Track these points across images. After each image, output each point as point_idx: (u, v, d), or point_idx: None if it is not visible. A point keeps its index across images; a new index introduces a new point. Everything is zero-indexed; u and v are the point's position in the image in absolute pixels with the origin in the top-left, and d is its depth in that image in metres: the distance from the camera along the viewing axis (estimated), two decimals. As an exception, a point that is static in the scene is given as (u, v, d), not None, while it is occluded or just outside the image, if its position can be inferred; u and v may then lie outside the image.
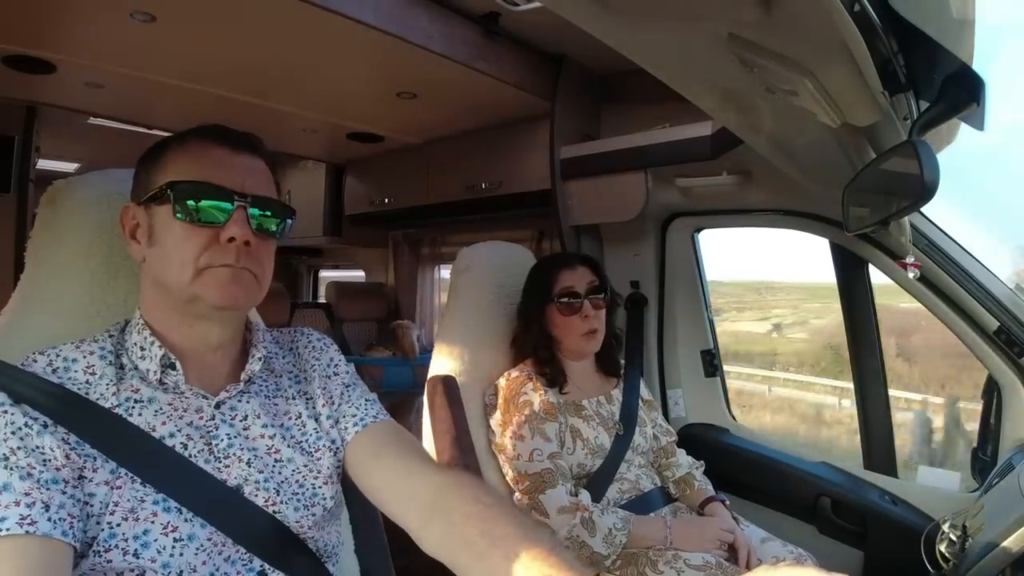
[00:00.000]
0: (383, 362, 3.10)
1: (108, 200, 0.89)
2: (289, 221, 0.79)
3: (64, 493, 0.62)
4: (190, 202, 0.71)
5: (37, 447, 0.62)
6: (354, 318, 3.65)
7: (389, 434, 0.84)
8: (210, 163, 0.73)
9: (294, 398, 0.83)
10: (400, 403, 2.84)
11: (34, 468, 0.61)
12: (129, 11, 1.58)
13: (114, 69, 2.00)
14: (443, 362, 1.48)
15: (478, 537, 0.65)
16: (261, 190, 0.75)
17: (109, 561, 0.64)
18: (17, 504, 0.58)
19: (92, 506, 0.64)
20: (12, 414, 0.63)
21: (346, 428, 0.83)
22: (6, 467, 0.60)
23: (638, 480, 1.41)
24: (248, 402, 0.78)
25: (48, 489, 0.61)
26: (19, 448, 0.62)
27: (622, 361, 1.60)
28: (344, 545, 0.93)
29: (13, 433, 0.62)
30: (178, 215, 0.71)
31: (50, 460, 0.63)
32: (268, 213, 0.75)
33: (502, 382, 1.42)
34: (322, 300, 4.07)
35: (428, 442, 1.40)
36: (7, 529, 0.57)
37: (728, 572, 1.19)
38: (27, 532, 0.57)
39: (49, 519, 0.59)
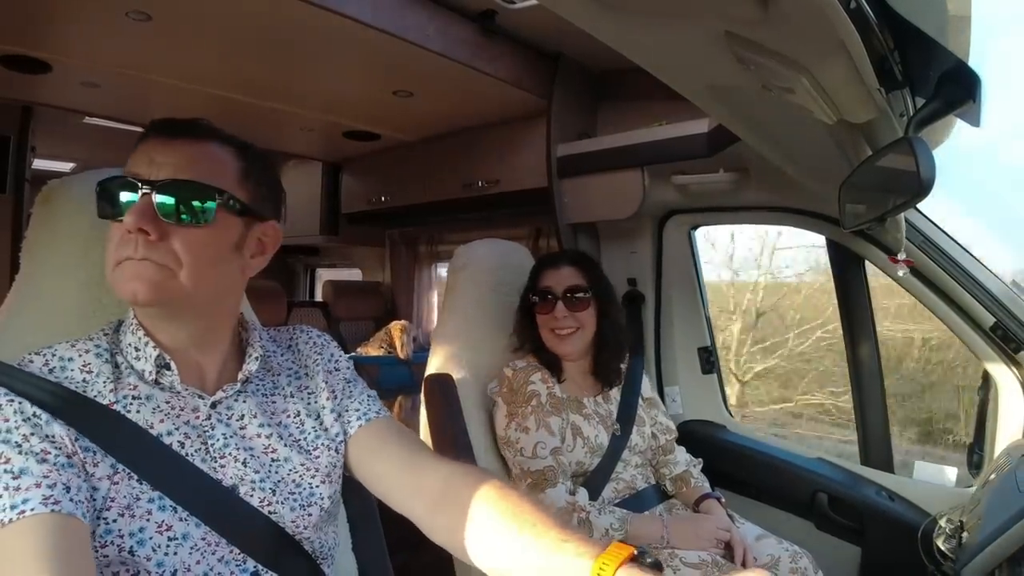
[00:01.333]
0: (379, 361, 3.09)
1: (104, 199, 0.88)
2: (211, 204, 0.70)
3: (79, 477, 0.62)
4: (106, 199, 0.71)
5: (48, 435, 0.63)
6: (351, 317, 3.63)
7: (392, 429, 0.85)
8: (134, 156, 0.71)
9: (292, 395, 0.82)
10: (397, 401, 2.84)
11: (49, 453, 0.61)
12: (125, 10, 1.57)
13: (110, 68, 1.99)
14: (440, 360, 1.48)
15: (489, 518, 0.66)
16: (180, 174, 0.69)
17: (106, 556, 0.64)
18: (38, 486, 0.58)
19: (95, 500, 0.64)
20: (21, 403, 0.63)
21: (349, 421, 0.84)
22: (21, 452, 0.60)
23: (633, 480, 1.41)
24: (245, 402, 0.78)
25: (65, 471, 0.61)
26: (32, 434, 0.62)
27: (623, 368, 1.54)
28: (341, 543, 0.93)
29: (25, 421, 0.62)
30: (104, 215, 0.71)
31: (62, 447, 0.63)
32: (181, 198, 0.69)
33: (508, 372, 1.40)
34: (319, 299, 4.05)
35: (425, 441, 1.40)
36: (32, 509, 0.57)
37: (724, 570, 1.19)
38: (52, 511, 0.57)
39: (71, 499, 0.59)
